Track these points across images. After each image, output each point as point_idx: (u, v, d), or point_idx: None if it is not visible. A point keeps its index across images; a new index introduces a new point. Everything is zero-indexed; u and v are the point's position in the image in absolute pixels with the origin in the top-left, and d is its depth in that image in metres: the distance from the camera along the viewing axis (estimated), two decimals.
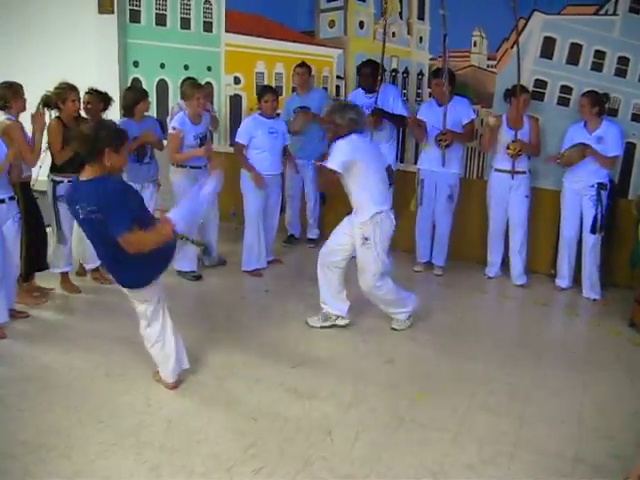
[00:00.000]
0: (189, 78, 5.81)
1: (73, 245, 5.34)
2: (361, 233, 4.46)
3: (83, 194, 3.35)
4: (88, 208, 3.31)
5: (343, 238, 4.62)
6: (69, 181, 4.91)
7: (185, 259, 5.63)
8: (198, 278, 5.71)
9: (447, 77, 5.55)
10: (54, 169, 5.07)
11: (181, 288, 5.52)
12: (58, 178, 5.04)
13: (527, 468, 3.20)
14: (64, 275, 5.35)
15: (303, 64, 6.23)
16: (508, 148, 5.50)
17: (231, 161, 5.57)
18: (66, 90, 4.96)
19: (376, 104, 5.75)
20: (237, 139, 5.71)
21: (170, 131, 5.53)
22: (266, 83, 6.79)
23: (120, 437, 3.31)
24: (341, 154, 4.26)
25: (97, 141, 3.33)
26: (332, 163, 4.25)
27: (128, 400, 3.69)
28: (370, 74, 5.85)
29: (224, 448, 3.23)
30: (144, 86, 6.96)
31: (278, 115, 6.05)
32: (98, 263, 5.41)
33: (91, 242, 3.61)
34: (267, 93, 5.75)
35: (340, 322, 4.79)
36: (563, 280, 5.73)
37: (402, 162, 6.42)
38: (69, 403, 3.62)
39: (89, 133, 3.37)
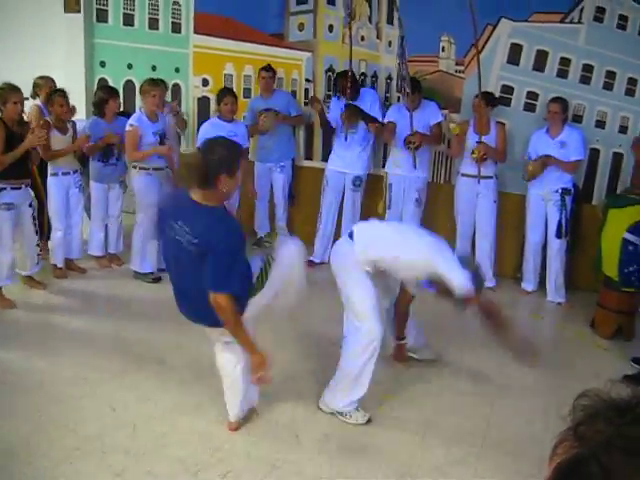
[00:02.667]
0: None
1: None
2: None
3: (190, 217, 2.91)
4: (191, 237, 2.87)
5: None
6: (13, 188, 4.78)
7: (145, 260, 5.57)
8: (157, 280, 5.61)
9: (409, 84, 5.58)
10: None
11: (140, 290, 5.46)
12: (1, 185, 4.72)
13: (494, 468, 3.23)
14: None
15: (269, 68, 6.20)
16: (473, 152, 5.56)
17: None
18: (7, 91, 4.66)
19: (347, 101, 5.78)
20: (197, 145, 5.66)
21: (127, 128, 5.40)
22: (235, 85, 6.75)
23: (84, 442, 3.26)
24: None
25: (210, 169, 2.87)
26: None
27: (92, 404, 3.63)
28: (346, 86, 5.82)
29: (190, 452, 3.20)
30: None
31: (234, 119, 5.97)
32: (35, 269, 5.23)
33: (171, 265, 3.12)
34: (226, 96, 5.72)
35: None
36: (529, 284, 5.80)
37: (376, 166, 6.44)
38: (31, 408, 3.55)
39: (199, 163, 2.90)
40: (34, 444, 3.22)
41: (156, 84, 5.53)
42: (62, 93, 5.26)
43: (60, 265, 5.56)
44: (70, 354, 4.22)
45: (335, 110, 6.02)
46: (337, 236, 6.20)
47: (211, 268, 2.85)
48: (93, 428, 3.39)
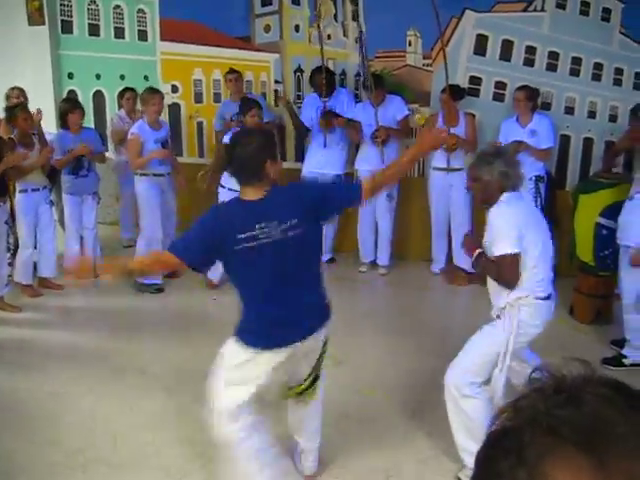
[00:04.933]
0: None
1: None
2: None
3: (267, 212, 2.63)
4: (286, 223, 2.61)
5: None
6: None
7: None
8: (160, 291, 5.60)
9: (371, 81, 5.59)
10: None
11: (118, 301, 5.43)
12: None
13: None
14: None
15: (233, 70, 6.16)
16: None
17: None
18: None
19: (324, 107, 5.78)
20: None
21: (129, 137, 5.47)
22: (204, 90, 6.74)
23: (66, 457, 3.25)
24: (509, 230, 3.00)
25: (254, 161, 2.70)
26: (504, 248, 2.96)
27: (73, 418, 3.61)
28: (322, 82, 5.81)
29: (173, 460, 3.19)
30: (80, 97, 6.83)
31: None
32: (5, 290, 5.13)
33: (274, 277, 2.68)
34: (252, 108, 5.64)
35: None
36: None
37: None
38: (14, 425, 3.53)
39: (242, 159, 2.72)
40: (16, 462, 3.20)
41: (156, 92, 5.54)
42: (24, 107, 5.18)
43: (29, 283, 5.46)
44: (50, 370, 4.19)
45: (309, 108, 6.02)
46: None
47: (339, 195, 2.91)
48: (75, 442, 3.37)
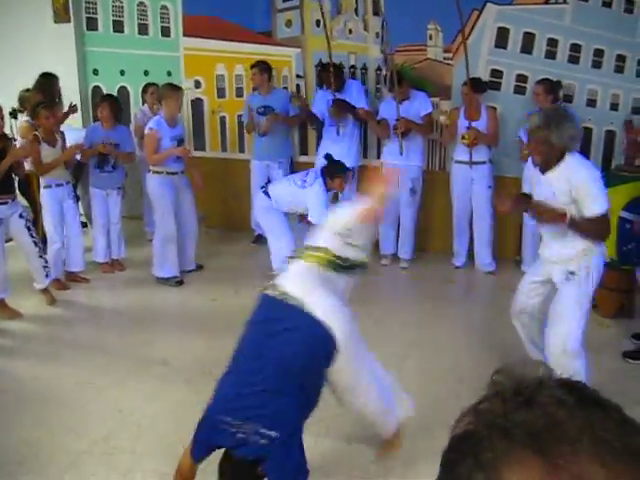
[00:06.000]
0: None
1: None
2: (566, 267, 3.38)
3: None
4: None
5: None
6: (1, 203, 4.82)
7: (166, 264, 5.63)
8: (180, 283, 5.68)
9: (394, 78, 5.61)
10: None
11: (143, 294, 5.52)
12: None
13: None
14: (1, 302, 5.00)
15: (256, 64, 6.18)
16: (463, 138, 5.58)
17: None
18: None
19: (334, 97, 5.81)
20: None
21: (146, 132, 5.50)
22: (227, 85, 6.80)
23: (91, 445, 3.32)
24: (601, 188, 3.19)
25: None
26: (600, 204, 3.14)
27: (98, 408, 3.69)
28: (330, 75, 5.85)
29: None
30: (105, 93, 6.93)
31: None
32: (47, 282, 5.24)
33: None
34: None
35: None
36: (528, 265, 5.80)
37: (365, 157, 6.47)
38: (39, 414, 3.62)
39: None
40: (42, 451, 3.29)
41: (177, 89, 5.57)
42: (46, 106, 5.26)
43: (59, 277, 5.55)
44: (75, 361, 4.28)
45: (320, 102, 6.06)
46: None
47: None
48: (99, 431, 3.45)
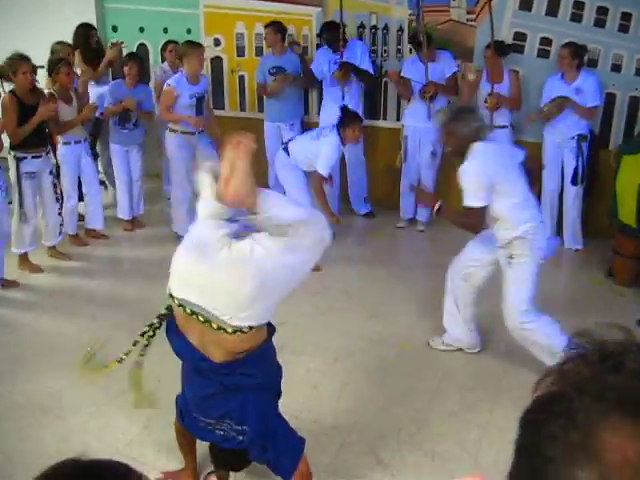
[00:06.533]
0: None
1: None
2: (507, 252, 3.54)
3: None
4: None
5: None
6: (33, 157, 4.85)
7: (185, 222, 5.67)
8: None
9: (424, 37, 5.55)
10: (16, 145, 4.80)
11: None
12: (21, 154, 4.82)
13: (508, 413, 3.31)
14: (23, 256, 5.09)
15: (269, 24, 6.10)
16: (485, 101, 5.53)
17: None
18: (16, 61, 4.63)
19: (341, 59, 5.77)
20: None
21: (164, 87, 5.50)
22: (246, 44, 6.75)
23: (113, 397, 3.41)
24: (473, 181, 3.38)
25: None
26: (469, 199, 3.36)
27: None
28: (334, 36, 5.80)
29: None
30: (123, 50, 6.89)
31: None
32: (58, 239, 5.33)
33: None
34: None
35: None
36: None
37: (385, 119, 6.43)
38: (60, 366, 3.70)
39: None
40: (66, 400, 3.39)
41: (198, 45, 5.55)
42: (67, 62, 5.25)
43: (75, 232, 5.62)
44: (96, 316, 4.36)
45: (320, 62, 6.01)
46: (344, 190, 6.26)
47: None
48: (120, 385, 3.51)
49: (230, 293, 2.19)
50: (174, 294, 2.28)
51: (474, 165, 3.35)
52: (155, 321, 2.49)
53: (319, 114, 6.31)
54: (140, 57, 6.13)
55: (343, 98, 5.88)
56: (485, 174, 3.36)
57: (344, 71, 5.78)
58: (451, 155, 3.56)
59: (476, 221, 3.41)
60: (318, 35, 6.37)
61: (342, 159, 6.18)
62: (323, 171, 4.98)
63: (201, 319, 2.22)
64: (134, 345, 2.52)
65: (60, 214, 5.25)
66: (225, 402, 2.36)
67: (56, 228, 5.26)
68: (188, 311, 2.23)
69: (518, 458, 0.71)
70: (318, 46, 6.29)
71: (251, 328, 2.23)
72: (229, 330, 2.21)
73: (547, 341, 3.39)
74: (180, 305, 2.26)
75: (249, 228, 2.28)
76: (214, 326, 2.21)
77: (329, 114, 5.91)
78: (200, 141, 5.61)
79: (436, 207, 3.48)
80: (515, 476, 0.70)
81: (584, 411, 0.65)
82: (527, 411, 0.72)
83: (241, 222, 2.30)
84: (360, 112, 6.00)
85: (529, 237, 3.43)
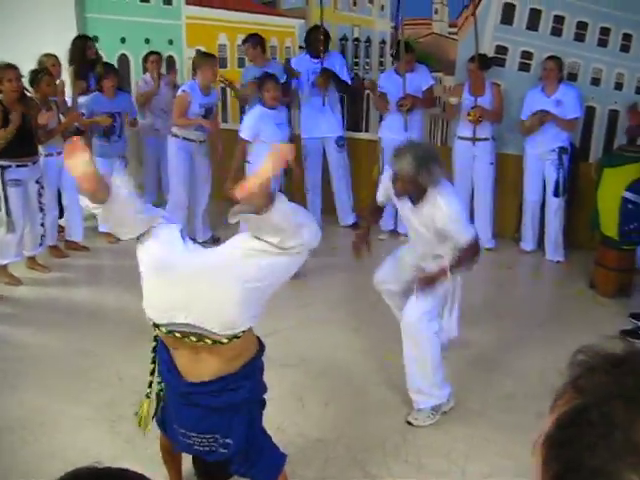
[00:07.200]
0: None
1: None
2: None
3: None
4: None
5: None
6: (18, 165, 4.81)
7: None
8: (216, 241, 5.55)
9: (401, 47, 5.58)
10: (0, 153, 4.75)
11: None
12: (5, 163, 4.78)
13: (494, 424, 3.31)
14: (2, 267, 5.00)
15: (246, 39, 6.08)
16: (468, 114, 5.57)
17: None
18: (1, 69, 4.67)
19: (321, 66, 5.81)
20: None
21: (178, 93, 5.56)
22: (228, 55, 6.75)
23: (94, 411, 3.36)
24: (463, 217, 3.41)
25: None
26: (468, 233, 3.31)
27: (100, 375, 3.72)
28: (320, 39, 5.81)
29: None
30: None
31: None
32: (38, 250, 5.26)
33: None
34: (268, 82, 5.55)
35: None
36: (527, 243, 5.84)
37: (367, 131, 6.45)
38: (43, 381, 3.65)
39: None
40: (46, 416, 3.32)
41: (211, 56, 5.63)
42: (48, 72, 5.21)
43: (55, 244, 5.57)
44: (77, 328, 4.31)
45: (299, 67, 6.02)
46: (328, 205, 6.25)
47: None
48: (102, 398, 3.48)
49: (215, 301, 2.14)
50: (158, 323, 2.21)
51: (454, 204, 3.31)
52: (154, 344, 2.43)
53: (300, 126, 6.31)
54: (115, 68, 6.11)
55: (324, 104, 5.90)
56: (461, 208, 3.42)
57: (325, 77, 5.79)
58: (400, 195, 3.39)
59: (479, 247, 3.39)
60: (301, 47, 6.39)
61: (326, 170, 6.20)
62: (242, 133, 5.12)
63: (193, 339, 2.17)
64: (151, 374, 2.46)
65: (43, 225, 5.19)
66: (212, 418, 2.32)
67: (37, 239, 5.20)
68: (178, 335, 2.18)
69: None
70: None
71: (243, 332, 2.21)
72: (224, 341, 2.17)
73: (426, 346, 3.30)
74: (169, 332, 2.20)
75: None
76: (208, 342, 2.17)
77: (312, 123, 5.94)
78: (199, 151, 5.70)
79: (448, 273, 3.29)
80: None
81: (621, 413, 0.65)
82: (553, 434, 0.71)
83: None
84: (341, 122, 6.03)
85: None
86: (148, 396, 2.54)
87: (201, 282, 2.16)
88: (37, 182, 5.05)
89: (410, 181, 3.19)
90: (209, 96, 5.58)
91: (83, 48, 6.04)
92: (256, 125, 5.08)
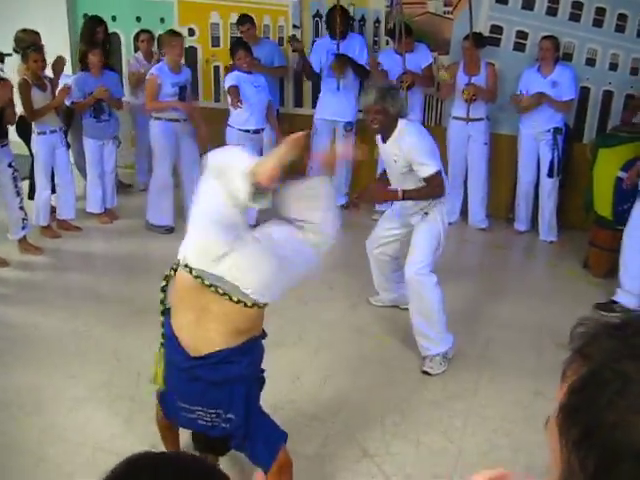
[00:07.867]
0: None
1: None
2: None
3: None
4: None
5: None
6: None
7: (159, 212, 5.64)
8: (170, 231, 5.58)
9: (403, 30, 5.50)
10: None
11: (137, 244, 5.50)
12: None
13: (490, 400, 3.34)
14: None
15: (244, 21, 6.03)
16: (463, 93, 5.55)
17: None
18: None
19: (338, 50, 5.71)
20: None
21: (147, 77, 5.48)
22: (221, 34, 6.67)
23: (92, 391, 3.35)
24: (428, 149, 3.53)
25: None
26: (432, 165, 3.47)
27: (97, 356, 3.70)
28: (336, 20, 5.70)
29: None
30: None
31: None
32: (22, 233, 5.14)
33: None
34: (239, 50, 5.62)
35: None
36: (521, 224, 5.86)
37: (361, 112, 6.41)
38: (38, 361, 3.63)
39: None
40: (43, 395, 3.30)
41: (177, 35, 5.52)
42: (36, 48, 5.10)
43: (47, 224, 5.50)
44: (69, 309, 4.28)
45: (318, 52, 5.93)
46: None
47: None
48: (99, 378, 3.47)
49: (255, 267, 2.27)
50: (192, 265, 2.26)
51: (417, 136, 3.50)
52: (168, 272, 2.43)
53: (314, 106, 6.26)
54: (97, 42, 5.93)
55: (338, 89, 5.84)
56: (428, 141, 3.54)
57: (340, 63, 5.73)
58: (375, 133, 3.66)
59: (441, 184, 3.53)
60: (294, 26, 6.33)
61: None
62: (226, 84, 5.42)
63: (220, 291, 2.21)
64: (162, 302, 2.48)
65: (22, 208, 5.06)
66: (213, 392, 2.33)
67: (18, 221, 5.07)
68: (207, 283, 2.22)
69: (579, 445, 0.70)
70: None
71: (264, 305, 2.31)
72: (249, 303, 2.25)
73: (430, 296, 3.55)
74: (197, 277, 2.23)
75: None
76: (234, 299, 2.23)
77: (326, 105, 5.90)
78: (184, 130, 5.60)
79: (400, 195, 3.55)
80: (583, 466, 0.69)
81: (634, 369, 0.67)
82: (568, 402, 0.72)
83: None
84: (354, 106, 5.94)
85: (443, 201, 3.65)
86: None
87: (247, 247, 2.28)
88: (10, 166, 4.91)
89: (378, 111, 3.44)
90: (180, 74, 5.48)
91: (93, 30, 5.93)
92: (237, 81, 5.34)
